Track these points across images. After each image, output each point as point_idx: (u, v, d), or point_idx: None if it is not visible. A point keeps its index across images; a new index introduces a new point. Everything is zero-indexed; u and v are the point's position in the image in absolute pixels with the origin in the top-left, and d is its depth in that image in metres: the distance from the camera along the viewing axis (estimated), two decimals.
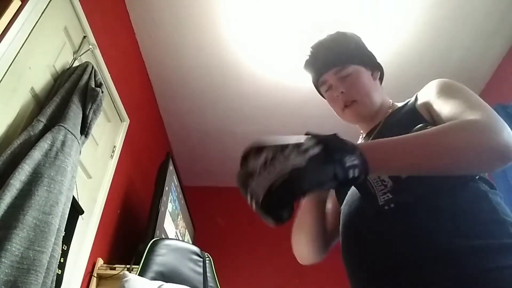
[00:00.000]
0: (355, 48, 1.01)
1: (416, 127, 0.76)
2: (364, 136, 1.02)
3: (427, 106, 0.84)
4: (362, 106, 0.96)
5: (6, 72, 1.25)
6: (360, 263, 0.79)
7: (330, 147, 0.55)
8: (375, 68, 1.03)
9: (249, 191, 0.54)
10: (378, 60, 1.05)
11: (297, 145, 0.54)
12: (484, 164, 0.67)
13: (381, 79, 1.05)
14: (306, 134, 0.58)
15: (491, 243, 0.65)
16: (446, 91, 0.82)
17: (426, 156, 0.64)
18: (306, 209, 0.95)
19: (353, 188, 0.86)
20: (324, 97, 1.07)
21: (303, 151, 0.53)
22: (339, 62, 0.97)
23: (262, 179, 0.51)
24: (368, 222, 0.79)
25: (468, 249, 0.64)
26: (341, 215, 0.89)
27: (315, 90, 1.09)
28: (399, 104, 0.97)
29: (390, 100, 1.02)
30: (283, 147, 0.53)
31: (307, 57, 1.03)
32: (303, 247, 0.97)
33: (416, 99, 0.90)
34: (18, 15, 1.31)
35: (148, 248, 1.62)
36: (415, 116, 0.84)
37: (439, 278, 0.64)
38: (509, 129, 0.67)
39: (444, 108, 0.79)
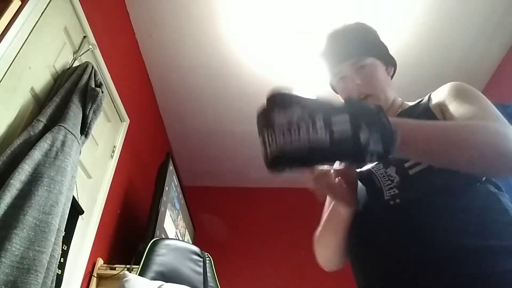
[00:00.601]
0: (373, 40, 0.98)
1: None
2: None
3: (442, 107, 0.82)
4: (376, 100, 0.92)
5: (6, 72, 1.25)
6: (369, 261, 0.78)
7: (359, 126, 0.50)
8: (390, 63, 1.00)
9: (264, 141, 0.51)
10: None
11: (327, 116, 0.50)
12: (497, 168, 0.65)
13: (393, 75, 1.03)
14: (347, 99, 0.56)
15: (506, 244, 0.64)
16: (463, 95, 0.81)
17: (450, 145, 0.62)
18: (339, 219, 0.85)
19: (360, 185, 0.84)
20: (335, 91, 1.03)
21: (330, 125, 0.49)
22: (357, 53, 0.94)
23: (280, 138, 0.49)
24: (376, 220, 0.78)
25: (483, 250, 0.64)
26: None
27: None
28: (410, 103, 0.95)
29: (400, 99, 0.99)
30: (312, 114, 0.49)
31: (324, 46, 0.99)
32: (332, 255, 0.91)
33: (429, 99, 0.88)
34: (18, 15, 1.31)
35: (148, 248, 1.62)
36: (429, 116, 0.82)
37: (451, 278, 0.63)
38: None
39: (460, 110, 0.77)
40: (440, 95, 0.85)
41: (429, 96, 0.89)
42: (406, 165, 0.78)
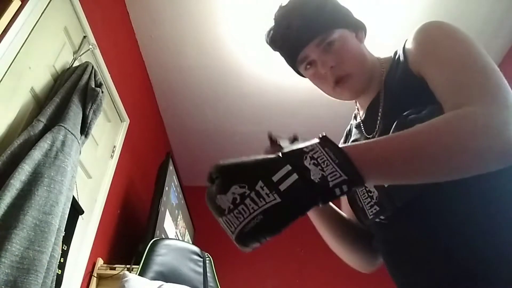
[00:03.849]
0: (332, 8, 0.80)
1: (423, 112, 0.64)
2: (365, 111, 0.84)
3: (420, 68, 0.69)
4: (357, 79, 0.78)
5: (6, 72, 1.25)
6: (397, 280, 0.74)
7: (306, 169, 0.47)
8: (358, 27, 0.83)
9: (221, 225, 0.48)
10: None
11: (267, 180, 0.46)
12: (481, 167, 0.55)
13: (365, 35, 0.86)
14: (279, 152, 0.50)
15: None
16: (434, 47, 0.67)
17: (419, 161, 0.53)
18: (318, 226, 0.87)
19: None
20: (303, 76, 0.88)
21: (275, 186, 0.46)
22: (319, 29, 0.77)
23: (232, 218, 0.46)
24: (377, 238, 0.77)
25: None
26: None
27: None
28: (387, 61, 0.81)
29: (376, 57, 0.84)
30: (252, 182, 0.46)
31: (275, 31, 0.83)
32: (347, 258, 0.88)
33: (405, 55, 0.73)
34: (18, 15, 1.31)
35: (148, 248, 1.62)
36: (415, 81, 0.69)
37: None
38: None
39: (437, 79, 0.64)
40: (412, 48, 0.71)
41: (404, 50, 0.75)
42: None
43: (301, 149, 0.50)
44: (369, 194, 0.72)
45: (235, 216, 0.46)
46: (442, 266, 0.62)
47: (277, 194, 0.45)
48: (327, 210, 0.87)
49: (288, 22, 0.79)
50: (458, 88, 0.61)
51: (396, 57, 0.78)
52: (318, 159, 0.48)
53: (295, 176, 0.46)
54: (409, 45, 0.73)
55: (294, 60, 0.83)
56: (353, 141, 0.87)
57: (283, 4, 0.83)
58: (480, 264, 0.58)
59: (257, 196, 0.46)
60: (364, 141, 0.56)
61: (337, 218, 0.87)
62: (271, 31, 0.84)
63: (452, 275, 0.61)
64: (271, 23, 0.86)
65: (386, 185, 0.69)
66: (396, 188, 0.67)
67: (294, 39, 0.79)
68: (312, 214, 0.86)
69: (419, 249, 0.66)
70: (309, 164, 0.48)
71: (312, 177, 0.46)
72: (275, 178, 0.46)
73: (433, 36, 0.70)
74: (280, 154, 0.49)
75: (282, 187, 0.46)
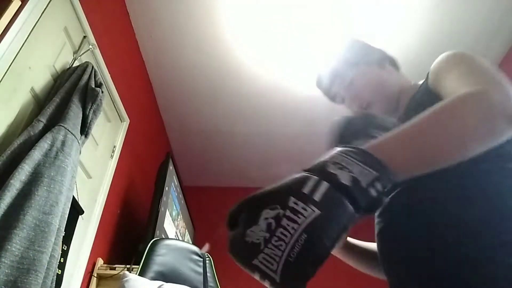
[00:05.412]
0: (354, 55, 1.00)
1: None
2: None
3: (435, 85, 0.76)
4: (378, 104, 0.93)
5: (6, 72, 1.25)
6: None
7: (334, 175, 0.43)
8: (384, 61, 1.00)
9: (258, 270, 0.40)
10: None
11: (297, 189, 0.42)
12: (496, 134, 0.54)
13: (395, 65, 1.02)
14: (302, 171, 0.46)
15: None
16: (453, 66, 0.73)
17: (446, 137, 0.52)
18: (344, 258, 0.92)
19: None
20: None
21: (308, 198, 0.41)
22: (340, 73, 0.98)
23: (272, 251, 0.39)
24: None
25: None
26: None
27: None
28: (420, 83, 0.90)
29: (411, 81, 0.96)
30: (283, 200, 0.41)
31: (317, 77, 1.06)
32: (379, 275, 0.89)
33: (427, 77, 0.82)
34: (18, 15, 1.31)
35: (148, 248, 1.62)
36: (431, 96, 0.75)
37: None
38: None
39: (448, 87, 0.70)
40: (434, 70, 0.79)
41: (428, 73, 0.83)
42: None
43: (321, 160, 0.47)
44: None
45: (275, 245, 0.39)
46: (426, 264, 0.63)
47: (314, 206, 0.40)
48: (347, 248, 0.92)
49: (322, 72, 1.04)
50: (466, 85, 0.63)
51: (424, 81, 0.86)
52: (342, 163, 0.45)
53: (325, 184, 0.42)
54: (431, 68, 0.81)
55: (330, 98, 1.05)
56: None
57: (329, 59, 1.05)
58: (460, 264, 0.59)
59: (294, 213, 0.40)
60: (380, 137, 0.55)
61: (360, 253, 0.93)
62: (317, 76, 1.07)
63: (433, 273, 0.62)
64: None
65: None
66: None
67: (325, 83, 1.03)
68: (336, 252, 0.90)
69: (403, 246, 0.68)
70: (334, 170, 0.44)
71: (342, 181, 0.42)
72: (306, 190, 0.42)
73: (453, 57, 0.76)
74: (301, 171, 0.46)
75: (317, 197, 0.41)
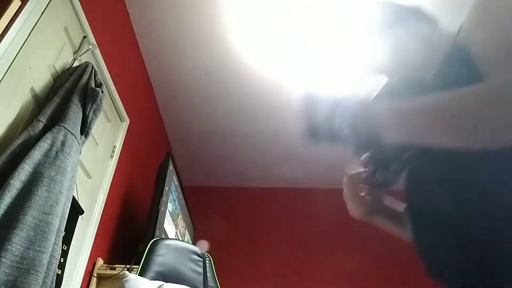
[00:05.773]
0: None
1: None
2: None
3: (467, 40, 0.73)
4: None
5: (6, 72, 1.25)
6: None
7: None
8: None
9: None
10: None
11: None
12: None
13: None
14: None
15: None
16: (478, 24, 0.71)
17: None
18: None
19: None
20: None
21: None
22: None
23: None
24: None
25: None
26: None
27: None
28: None
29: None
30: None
31: None
32: None
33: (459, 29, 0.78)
34: (18, 15, 1.31)
35: (148, 248, 1.62)
36: (462, 55, 0.73)
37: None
38: None
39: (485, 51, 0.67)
40: (465, 22, 0.75)
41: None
42: None
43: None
44: None
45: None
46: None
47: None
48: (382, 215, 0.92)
49: None
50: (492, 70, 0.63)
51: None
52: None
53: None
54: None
55: None
56: None
57: None
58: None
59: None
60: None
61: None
62: None
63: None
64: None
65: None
66: None
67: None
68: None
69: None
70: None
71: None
72: None
73: (476, 9, 0.73)
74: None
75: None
